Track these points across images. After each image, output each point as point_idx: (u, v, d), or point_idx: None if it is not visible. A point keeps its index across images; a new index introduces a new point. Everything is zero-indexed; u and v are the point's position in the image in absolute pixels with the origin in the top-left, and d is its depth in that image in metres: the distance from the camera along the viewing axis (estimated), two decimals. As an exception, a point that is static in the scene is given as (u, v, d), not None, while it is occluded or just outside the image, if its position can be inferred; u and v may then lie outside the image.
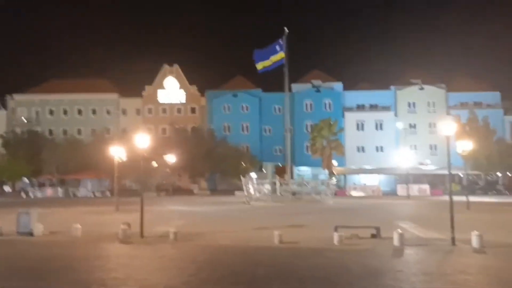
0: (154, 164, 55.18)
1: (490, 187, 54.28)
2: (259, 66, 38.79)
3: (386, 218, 24.60)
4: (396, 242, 14.70)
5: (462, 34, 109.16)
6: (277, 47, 38.14)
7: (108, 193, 53.00)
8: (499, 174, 56.09)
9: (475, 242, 14.34)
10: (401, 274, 10.16)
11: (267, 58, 38.64)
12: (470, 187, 57.14)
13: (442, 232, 17.72)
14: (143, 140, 17.20)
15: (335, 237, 15.05)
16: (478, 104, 61.03)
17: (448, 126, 15.42)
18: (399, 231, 15.08)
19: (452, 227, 14.78)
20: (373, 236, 16.45)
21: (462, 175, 58.08)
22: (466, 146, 29.29)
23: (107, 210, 30.46)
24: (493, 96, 63.76)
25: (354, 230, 16.53)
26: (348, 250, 13.99)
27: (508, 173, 55.15)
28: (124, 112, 67.84)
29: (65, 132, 66.13)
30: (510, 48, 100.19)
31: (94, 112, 67.68)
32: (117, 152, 30.64)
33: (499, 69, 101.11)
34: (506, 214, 27.16)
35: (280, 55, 37.78)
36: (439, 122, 15.78)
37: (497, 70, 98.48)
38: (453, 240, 14.70)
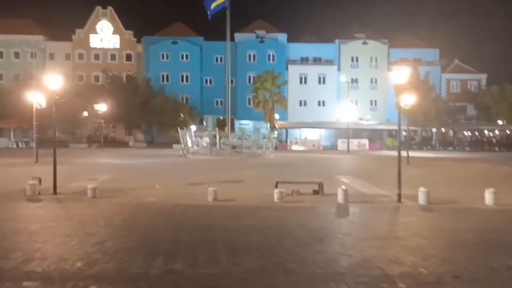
0: (85, 113, 51.47)
1: (425, 143, 55.83)
2: (208, 12, 35.91)
3: (327, 172, 23.72)
4: (340, 199, 13.52)
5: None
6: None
7: (33, 144, 48.80)
8: (434, 130, 57.67)
9: (422, 199, 13.46)
10: (349, 238, 8.84)
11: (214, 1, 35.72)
12: (407, 142, 58.82)
13: (385, 187, 16.91)
14: (54, 81, 14.50)
15: (275, 194, 13.61)
16: (418, 61, 61.50)
17: (400, 74, 14.10)
18: (343, 187, 13.90)
19: (399, 183, 13.77)
20: (315, 192, 15.24)
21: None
22: (408, 100, 28.64)
23: (25, 162, 27.47)
24: (433, 53, 64.65)
25: (296, 186, 15.22)
26: (289, 208, 12.61)
27: (442, 129, 56.75)
28: (51, 56, 62.04)
29: (-17, 76, 59.74)
30: (449, 7, 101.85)
31: (16, 55, 61.33)
32: (35, 98, 27.27)
33: (439, 27, 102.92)
34: (443, 169, 27.28)
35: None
36: (392, 73, 14.38)
37: (436, 28, 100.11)
38: (399, 196, 13.75)
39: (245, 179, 19.77)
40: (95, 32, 62.18)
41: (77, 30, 62.35)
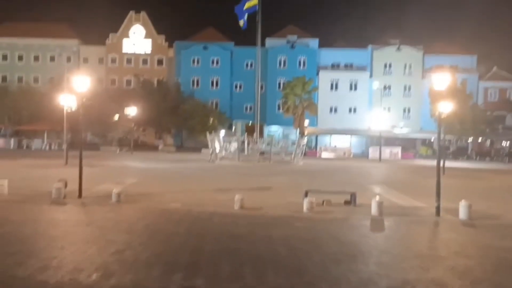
0: (116, 117, 52.01)
1: (461, 153, 53.84)
2: (241, 23, 35.63)
3: (359, 181, 22.89)
4: (374, 211, 12.72)
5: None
6: (251, -6, 34.83)
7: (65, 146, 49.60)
8: (469, 140, 55.59)
9: (463, 213, 12.52)
10: (386, 256, 8.10)
11: (243, 11, 35.42)
12: (442, 152, 56.83)
13: (421, 199, 16.04)
14: (81, 83, 14.32)
15: (305, 203, 12.94)
16: (454, 68, 59.43)
17: (440, 79, 13.26)
18: (377, 198, 13.10)
19: (438, 195, 12.88)
20: (347, 202, 14.49)
21: (433, 140, 57.50)
22: (445, 108, 27.46)
23: (55, 164, 27.71)
24: (470, 60, 62.45)
25: (327, 196, 14.51)
26: (319, 219, 11.93)
27: (480, 138, 54.53)
28: (85, 60, 63.16)
29: (20, 79, 61.31)
30: (488, 13, 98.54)
31: (52, 59, 62.75)
32: (66, 100, 27.49)
33: (477, 33, 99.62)
34: (482, 180, 25.91)
35: (254, 1, 34.49)
36: (435, 76, 13.53)
37: (474, 34, 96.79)
38: (438, 210, 12.85)
39: (273, 186, 19.18)
40: (128, 36, 63.02)
41: (111, 35, 63.34)
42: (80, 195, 14.32)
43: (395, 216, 12.63)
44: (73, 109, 27.28)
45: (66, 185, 14.86)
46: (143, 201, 13.93)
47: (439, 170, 13.21)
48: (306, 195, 14.08)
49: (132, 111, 44.15)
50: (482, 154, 54.01)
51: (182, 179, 21.65)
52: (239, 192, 14.22)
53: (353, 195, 14.49)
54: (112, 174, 22.92)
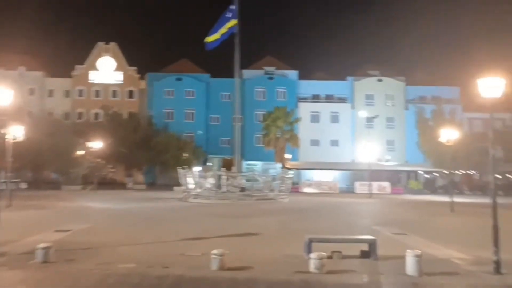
0: (80, 152, 47.41)
1: (453, 187, 50.88)
2: (207, 39, 31.88)
3: (360, 222, 19.28)
4: (411, 268, 8.94)
5: (421, 27, 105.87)
6: (228, 14, 31.57)
7: (24, 185, 44.61)
8: (459, 173, 52.95)
9: (535, 270, 8.92)
10: None
11: (217, 31, 31.98)
12: (430, 186, 53.95)
13: (451, 245, 12.48)
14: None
15: (313, 261, 9.05)
16: (436, 99, 57.57)
17: (492, 85, 9.93)
18: (413, 251, 9.33)
19: (496, 245, 9.27)
20: (365, 254, 10.70)
21: (420, 172, 54.71)
22: (451, 135, 24.61)
23: (-4, 207, 23.10)
24: (453, 91, 60.79)
25: (335, 245, 10.74)
26: (335, 285, 8.11)
27: (472, 171, 51.86)
28: (50, 93, 58.88)
29: (-23, 114, 56.34)
30: (471, 44, 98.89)
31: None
32: (12, 131, 23.29)
33: (459, 64, 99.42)
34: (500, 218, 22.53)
35: (232, 23, 31.24)
36: (480, 82, 10.26)
37: (457, 64, 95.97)
38: (497, 266, 9.19)
39: (260, 230, 15.21)
40: (96, 68, 59.24)
41: (77, 66, 59.42)
42: (-6, 253, 10.15)
43: (441, 275, 8.91)
44: (17, 139, 23.07)
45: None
46: (82, 260, 9.81)
47: (496, 211, 9.70)
48: (309, 246, 10.25)
49: (96, 145, 39.84)
50: (472, 188, 51.32)
51: (146, 223, 17.47)
52: (218, 241, 10.35)
53: (372, 244, 10.70)
54: (61, 218, 18.64)
